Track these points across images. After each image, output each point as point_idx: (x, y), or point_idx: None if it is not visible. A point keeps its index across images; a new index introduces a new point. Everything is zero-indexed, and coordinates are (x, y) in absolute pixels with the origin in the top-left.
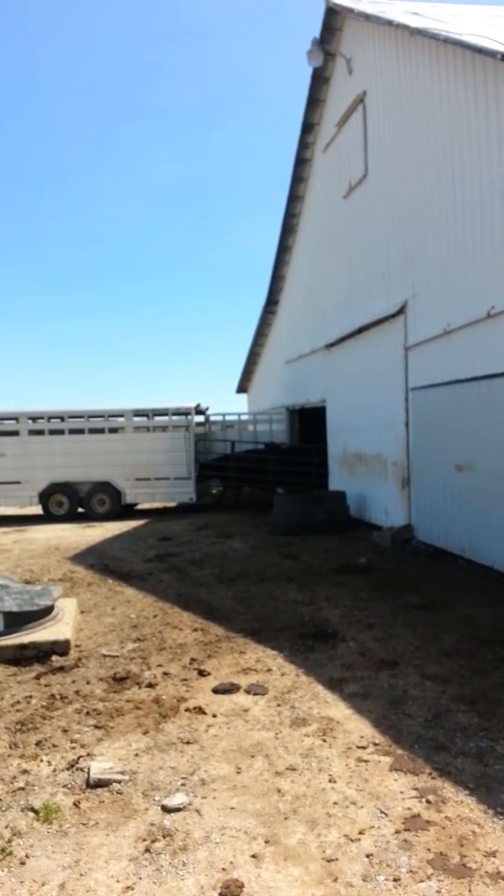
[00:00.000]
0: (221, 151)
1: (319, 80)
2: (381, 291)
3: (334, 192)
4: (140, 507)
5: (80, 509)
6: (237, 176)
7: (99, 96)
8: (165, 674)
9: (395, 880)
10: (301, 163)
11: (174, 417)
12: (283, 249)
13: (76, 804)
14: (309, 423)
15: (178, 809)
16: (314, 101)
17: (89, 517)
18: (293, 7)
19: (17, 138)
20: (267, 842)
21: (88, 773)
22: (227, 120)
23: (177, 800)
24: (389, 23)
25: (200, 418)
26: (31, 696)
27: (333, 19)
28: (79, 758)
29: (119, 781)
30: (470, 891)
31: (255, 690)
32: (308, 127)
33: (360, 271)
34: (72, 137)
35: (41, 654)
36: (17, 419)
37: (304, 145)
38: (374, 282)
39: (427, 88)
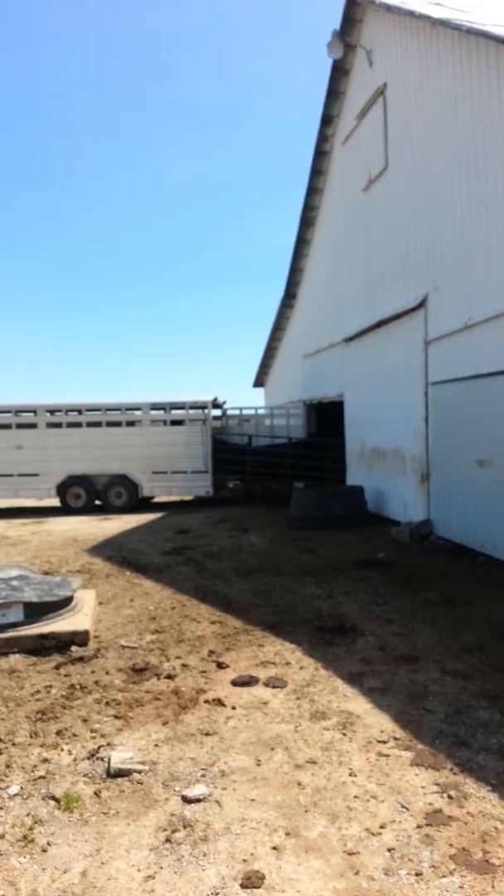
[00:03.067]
0: (235, 147)
1: (339, 72)
2: (400, 285)
3: (354, 184)
4: (157, 500)
5: (97, 502)
6: (252, 171)
7: (111, 93)
8: (184, 665)
9: (417, 875)
10: (320, 155)
11: (191, 411)
12: (302, 243)
13: (97, 793)
14: (326, 417)
15: (198, 800)
16: (334, 93)
17: (106, 510)
18: (310, 1)
19: (30, 135)
20: (288, 834)
21: (109, 763)
22: (242, 115)
23: (197, 790)
24: (411, 14)
25: (217, 412)
26: (50, 686)
27: (354, 11)
28: (99, 747)
29: (139, 771)
30: (493, 887)
31: (274, 683)
32: (327, 119)
33: (379, 265)
34: (85, 134)
35: (61, 644)
36: (35, 412)
37: (323, 138)
38: (394, 275)
39: (449, 80)
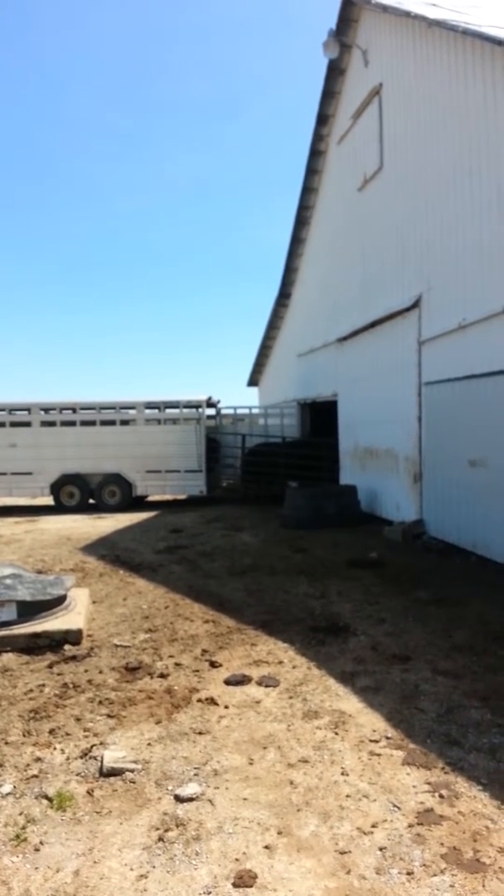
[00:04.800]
0: (234, 144)
1: (335, 72)
2: (395, 285)
3: (349, 184)
4: (150, 499)
5: (91, 501)
6: (249, 169)
7: (111, 90)
8: (177, 664)
9: (408, 874)
10: (315, 155)
11: (185, 410)
12: (297, 242)
13: (89, 792)
14: (320, 417)
15: (190, 799)
16: (329, 92)
17: (100, 509)
18: (305, 1)
19: (29, 131)
20: (280, 833)
21: (101, 762)
22: (241, 112)
23: (189, 790)
24: (407, 14)
25: (212, 411)
26: (43, 685)
27: (350, 10)
28: (92, 746)
29: (132, 770)
30: (484, 886)
31: (267, 682)
32: (323, 119)
33: (373, 264)
34: (83, 130)
35: (54, 643)
36: (29, 410)
37: (318, 137)
38: (388, 275)
39: (445, 80)
